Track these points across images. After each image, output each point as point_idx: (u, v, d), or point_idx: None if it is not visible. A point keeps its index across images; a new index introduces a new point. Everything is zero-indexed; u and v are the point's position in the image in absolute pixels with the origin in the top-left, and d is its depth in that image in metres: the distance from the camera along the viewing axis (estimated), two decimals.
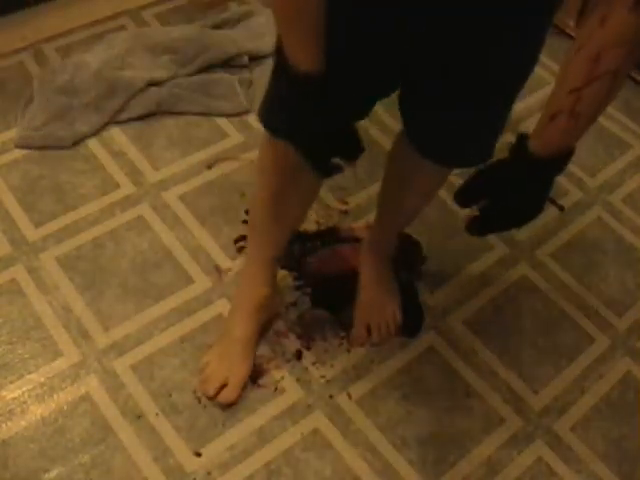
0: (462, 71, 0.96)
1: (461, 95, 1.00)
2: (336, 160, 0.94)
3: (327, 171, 0.95)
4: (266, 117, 1.08)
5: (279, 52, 0.92)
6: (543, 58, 2.06)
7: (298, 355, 1.39)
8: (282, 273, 1.49)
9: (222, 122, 1.77)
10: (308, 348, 1.40)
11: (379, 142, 1.75)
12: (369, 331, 1.41)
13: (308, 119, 0.89)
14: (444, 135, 1.07)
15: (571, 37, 2.13)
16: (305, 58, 0.85)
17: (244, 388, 1.32)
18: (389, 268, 1.44)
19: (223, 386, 1.30)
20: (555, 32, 2.15)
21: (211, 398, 1.30)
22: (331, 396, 1.35)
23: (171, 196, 1.61)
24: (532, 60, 0.99)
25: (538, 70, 2.08)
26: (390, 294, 1.43)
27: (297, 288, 1.48)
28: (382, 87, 1.05)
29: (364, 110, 1.10)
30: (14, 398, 1.29)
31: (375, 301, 1.42)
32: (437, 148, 1.11)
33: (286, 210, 1.23)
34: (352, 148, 0.93)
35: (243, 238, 1.54)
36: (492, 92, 1.00)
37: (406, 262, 1.51)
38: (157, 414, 1.29)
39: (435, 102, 1.03)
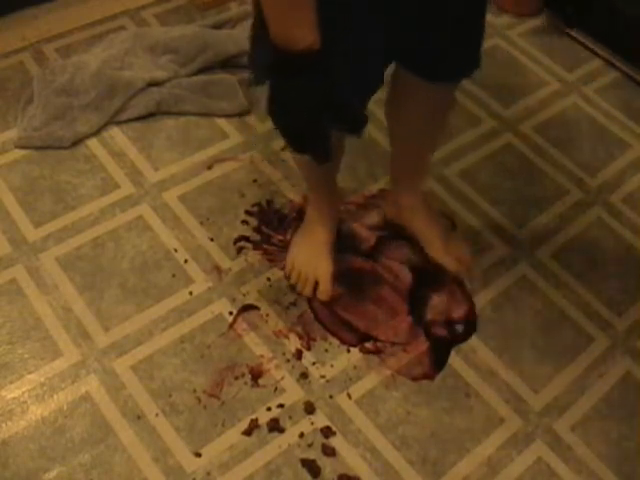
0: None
1: (440, 18, 1.13)
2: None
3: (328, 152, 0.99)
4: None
5: (275, 50, 0.93)
6: (542, 58, 2.06)
7: (298, 355, 1.39)
8: (281, 274, 1.49)
9: (222, 122, 1.77)
10: (308, 348, 1.40)
11: (378, 142, 1.75)
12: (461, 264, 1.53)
13: (316, 93, 0.93)
14: (435, 53, 1.18)
15: (571, 37, 2.13)
16: (304, 34, 0.88)
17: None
18: (425, 199, 1.54)
19: (315, 285, 1.46)
20: (555, 32, 2.15)
21: (310, 300, 1.46)
22: (331, 396, 1.35)
23: (171, 196, 1.61)
24: None
25: (538, 71, 2.10)
26: (443, 223, 1.59)
27: None
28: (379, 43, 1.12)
29: (372, 78, 1.17)
30: (14, 398, 1.29)
31: (443, 241, 1.53)
32: (431, 67, 1.22)
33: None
34: (357, 121, 0.98)
35: (243, 238, 1.54)
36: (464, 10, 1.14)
37: None
38: (157, 414, 1.29)
39: (423, 28, 1.13)
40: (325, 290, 1.45)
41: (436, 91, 1.28)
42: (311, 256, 1.46)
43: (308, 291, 1.46)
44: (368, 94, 1.17)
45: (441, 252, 1.52)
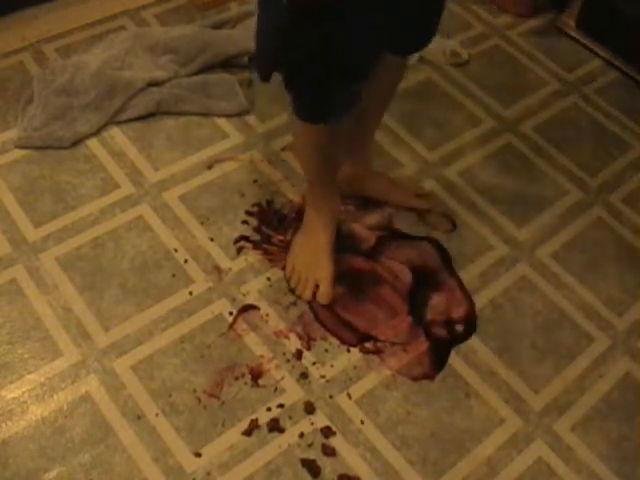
0: None
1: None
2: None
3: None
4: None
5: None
6: (542, 58, 2.06)
7: (298, 355, 1.39)
8: (281, 273, 1.49)
9: (222, 122, 1.77)
10: (308, 348, 1.40)
11: (377, 141, 1.75)
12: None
13: (336, 43, 0.99)
14: (411, 37, 1.31)
15: (571, 37, 2.13)
16: None
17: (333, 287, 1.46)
18: (369, 164, 1.65)
19: (316, 287, 1.45)
20: (555, 32, 2.15)
21: (309, 301, 1.46)
22: (331, 396, 1.35)
23: (171, 196, 1.61)
24: None
25: (538, 71, 2.10)
26: (386, 175, 1.69)
27: None
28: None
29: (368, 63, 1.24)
30: (14, 398, 1.29)
31: (400, 188, 1.64)
32: (405, 44, 1.33)
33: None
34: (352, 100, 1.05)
35: (243, 238, 1.54)
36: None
37: None
38: (157, 414, 1.29)
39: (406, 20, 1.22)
40: (325, 293, 1.45)
41: (400, 64, 1.42)
42: (312, 258, 1.46)
43: (308, 294, 1.45)
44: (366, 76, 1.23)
45: (406, 197, 1.63)
